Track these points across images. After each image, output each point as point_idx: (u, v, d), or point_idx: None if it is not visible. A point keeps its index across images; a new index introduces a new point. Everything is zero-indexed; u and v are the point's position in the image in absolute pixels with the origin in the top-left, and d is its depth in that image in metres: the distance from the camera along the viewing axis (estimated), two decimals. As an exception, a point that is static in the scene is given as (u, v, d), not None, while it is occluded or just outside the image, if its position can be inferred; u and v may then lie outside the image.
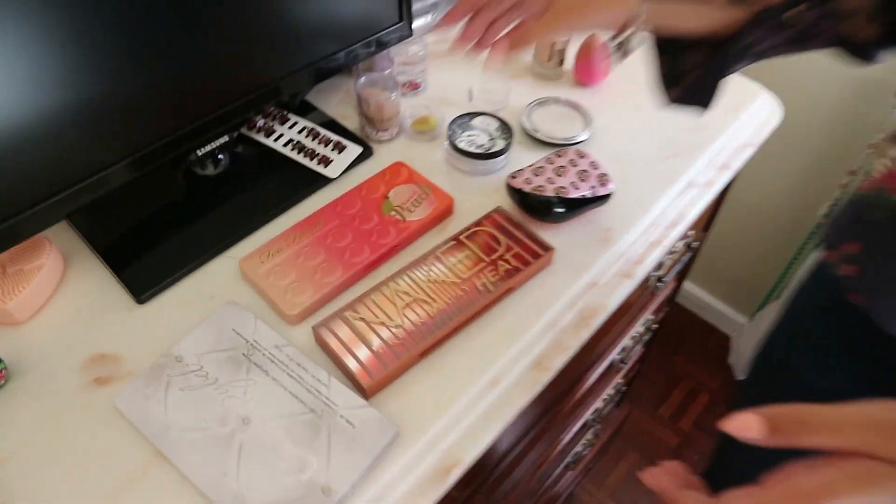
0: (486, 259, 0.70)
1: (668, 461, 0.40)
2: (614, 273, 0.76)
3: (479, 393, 0.64)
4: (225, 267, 0.72)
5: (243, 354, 0.63)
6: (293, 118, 0.86)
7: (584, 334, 0.70)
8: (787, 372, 0.77)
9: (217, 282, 0.71)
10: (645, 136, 0.90)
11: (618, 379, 1.28)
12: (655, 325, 1.25)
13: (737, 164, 0.91)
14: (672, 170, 0.86)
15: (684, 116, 0.92)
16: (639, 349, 1.26)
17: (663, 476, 0.38)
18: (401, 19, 0.86)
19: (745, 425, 0.31)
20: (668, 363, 1.81)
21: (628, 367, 1.29)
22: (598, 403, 1.23)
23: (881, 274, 0.60)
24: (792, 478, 0.31)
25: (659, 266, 0.96)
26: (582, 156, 0.79)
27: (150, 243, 0.73)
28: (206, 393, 0.61)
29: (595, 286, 0.73)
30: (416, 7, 0.94)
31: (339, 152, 0.82)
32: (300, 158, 0.81)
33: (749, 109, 0.96)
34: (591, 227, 0.78)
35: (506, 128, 0.84)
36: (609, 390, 1.26)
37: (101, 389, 0.62)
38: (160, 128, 0.69)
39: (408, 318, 0.65)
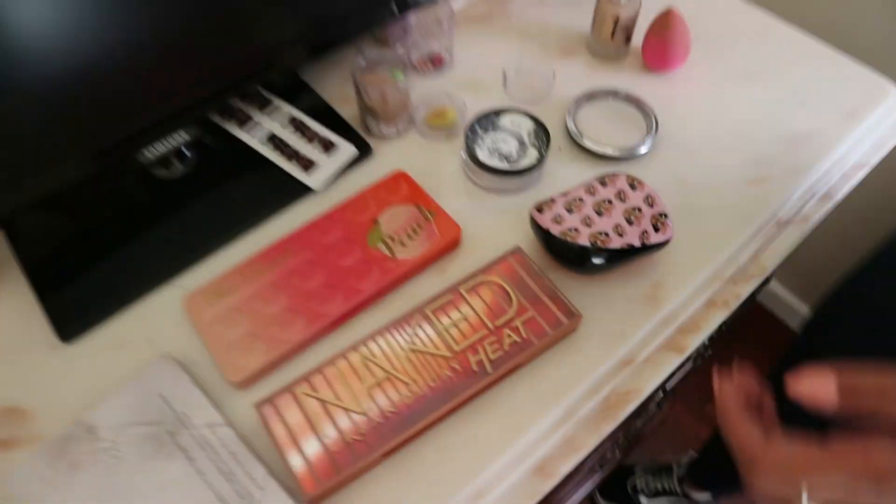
0: (490, 326, 0.54)
1: (745, 374, 0.37)
2: (659, 345, 0.58)
3: (458, 510, 0.50)
4: (171, 300, 0.59)
5: (168, 433, 0.51)
6: (276, 102, 0.69)
7: (606, 429, 0.55)
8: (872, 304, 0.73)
9: (159, 320, 0.58)
10: (726, 149, 0.69)
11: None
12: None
13: (843, 191, 0.70)
14: (754, 201, 0.66)
15: (787, 116, 0.72)
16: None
17: (732, 390, 0.36)
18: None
19: (819, 387, 0.30)
20: (726, 353, 1.62)
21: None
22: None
23: None
24: (871, 450, 0.28)
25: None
26: (635, 186, 0.60)
27: (87, 264, 0.60)
28: (119, 483, 0.49)
29: (631, 364, 0.57)
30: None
31: (328, 153, 0.66)
32: (278, 159, 0.66)
33: (874, 114, 0.73)
34: (635, 281, 0.60)
35: (542, 132, 0.65)
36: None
37: (4, 455, 0.51)
38: (108, 117, 0.55)
39: (375, 404, 0.51)
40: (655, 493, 1.30)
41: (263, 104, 0.69)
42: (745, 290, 0.62)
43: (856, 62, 0.77)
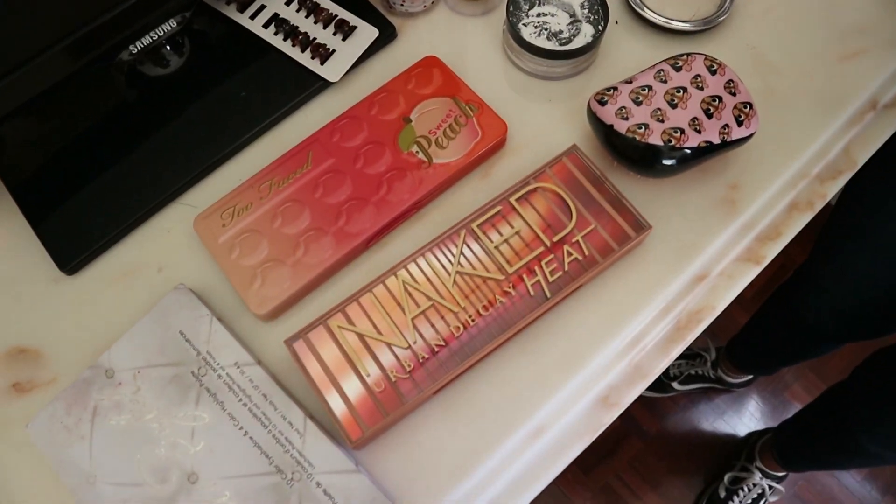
0: (547, 242, 0.47)
1: None
2: (736, 257, 0.51)
3: (518, 447, 0.45)
4: (179, 221, 0.52)
5: (192, 374, 0.46)
6: (281, -24, 0.58)
7: (674, 351, 0.49)
8: None
9: (168, 244, 0.51)
10: (814, 17, 0.58)
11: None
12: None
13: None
14: (848, 81, 0.56)
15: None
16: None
17: None
18: None
19: None
20: None
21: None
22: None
23: None
24: None
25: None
26: (714, 69, 0.50)
27: (82, 184, 0.53)
28: (145, 431, 0.44)
29: (704, 280, 0.50)
30: None
31: (345, 38, 0.56)
32: (287, 48, 0.56)
33: None
34: (710, 183, 0.52)
35: (598, 2, 0.55)
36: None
37: (19, 401, 0.47)
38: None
39: (420, 336, 0.45)
40: (688, 380, 1.29)
41: (264, -22, 0.58)
42: (832, 189, 0.54)
43: None
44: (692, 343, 1.38)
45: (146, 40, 0.52)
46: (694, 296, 0.50)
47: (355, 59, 0.55)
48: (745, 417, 1.36)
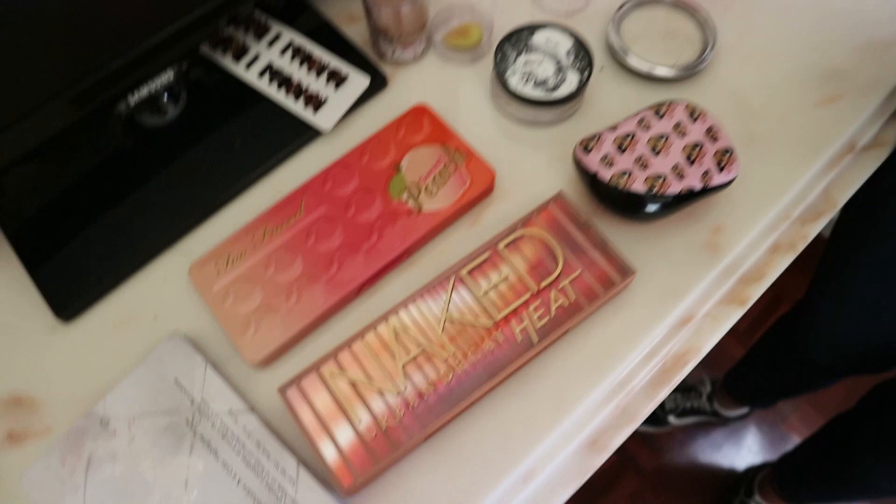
0: (534, 287, 0.48)
1: None
2: (720, 299, 0.52)
3: (508, 492, 0.46)
4: (174, 269, 0.53)
5: (187, 422, 0.46)
6: (275, 27, 0.60)
7: (662, 394, 0.50)
8: None
9: (164, 293, 0.52)
10: (793, 63, 0.60)
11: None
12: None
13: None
14: (826, 125, 0.57)
15: (866, 19, 0.62)
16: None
17: None
18: None
19: None
20: None
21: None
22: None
23: None
24: None
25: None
26: (696, 116, 0.52)
27: (77, 232, 0.54)
28: (139, 481, 0.45)
29: (689, 322, 0.51)
30: None
31: (337, 86, 0.58)
32: (281, 97, 0.57)
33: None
34: (693, 226, 0.53)
35: (583, 51, 0.56)
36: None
37: (14, 451, 0.48)
38: (84, 51, 0.47)
39: (411, 382, 0.46)
40: (684, 413, 1.29)
41: (259, 31, 0.59)
42: (813, 230, 0.56)
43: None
44: (689, 374, 1.38)
45: (144, 91, 0.54)
46: (679, 338, 0.51)
47: (347, 107, 0.57)
48: (742, 451, 1.36)
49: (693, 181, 0.49)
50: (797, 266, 0.69)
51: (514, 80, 0.56)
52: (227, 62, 0.58)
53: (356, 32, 0.62)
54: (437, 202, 0.52)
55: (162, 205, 0.54)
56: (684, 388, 1.30)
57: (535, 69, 0.56)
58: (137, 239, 0.53)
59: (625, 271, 0.49)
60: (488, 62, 0.60)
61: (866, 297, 0.72)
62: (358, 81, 0.58)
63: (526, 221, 0.51)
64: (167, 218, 0.54)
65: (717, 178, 0.50)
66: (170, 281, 0.52)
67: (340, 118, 0.57)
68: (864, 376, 0.87)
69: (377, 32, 0.58)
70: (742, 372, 1.17)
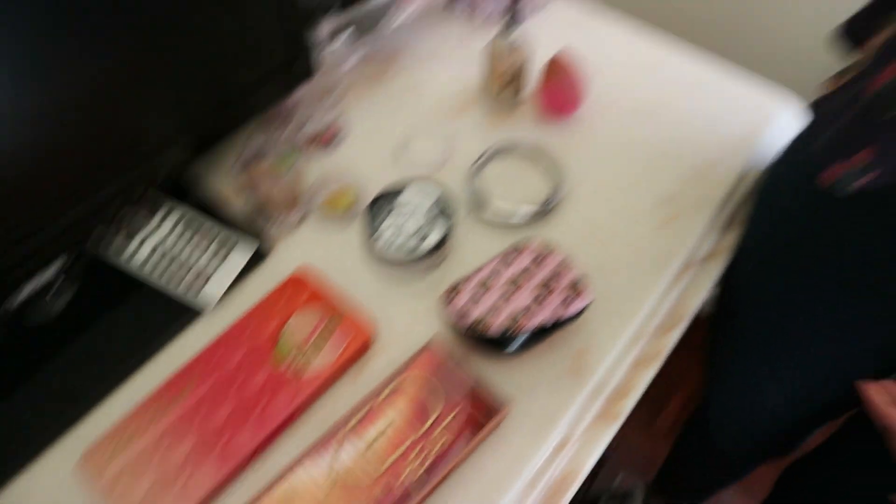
0: (417, 433, 0.51)
1: None
2: (592, 418, 0.57)
3: None
4: (66, 460, 0.54)
5: None
6: (161, 209, 0.64)
7: (551, 519, 0.53)
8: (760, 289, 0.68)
9: (56, 486, 0.53)
10: (633, 192, 0.68)
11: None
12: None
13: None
14: (668, 243, 0.65)
15: (690, 147, 0.71)
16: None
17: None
18: (294, 55, 0.64)
19: None
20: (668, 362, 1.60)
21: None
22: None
23: None
24: None
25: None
26: (545, 254, 0.58)
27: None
28: None
29: (566, 446, 0.55)
30: (326, 32, 0.70)
31: (222, 260, 0.62)
32: (167, 279, 0.61)
33: (773, 128, 0.73)
34: (559, 353, 0.58)
35: (446, 204, 0.63)
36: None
37: None
38: None
39: (303, 547, 0.47)
40: (623, 518, 1.29)
41: (145, 215, 0.64)
42: (670, 341, 0.61)
43: (753, 76, 0.77)
44: (621, 482, 1.40)
45: (28, 289, 0.57)
46: (558, 463, 0.54)
47: (231, 280, 0.61)
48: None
49: (550, 313, 0.55)
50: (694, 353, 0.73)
51: (385, 238, 0.61)
52: (113, 250, 0.62)
53: (237, 208, 0.67)
54: (321, 362, 0.56)
55: (48, 398, 0.56)
56: (620, 495, 1.31)
57: (404, 225, 0.62)
58: (25, 435, 0.54)
59: (498, 407, 0.53)
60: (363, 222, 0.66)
61: (747, 385, 0.77)
62: (242, 254, 0.62)
63: (404, 369, 0.55)
64: (54, 411, 0.55)
65: (572, 307, 0.55)
66: (62, 473, 0.53)
67: (225, 291, 0.61)
68: (777, 460, 0.91)
69: (258, 206, 0.64)
70: (670, 471, 1.20)
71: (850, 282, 0.57)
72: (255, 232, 0.65)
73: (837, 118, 0.54)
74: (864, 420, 0.67)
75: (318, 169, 0.69)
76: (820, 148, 0.55)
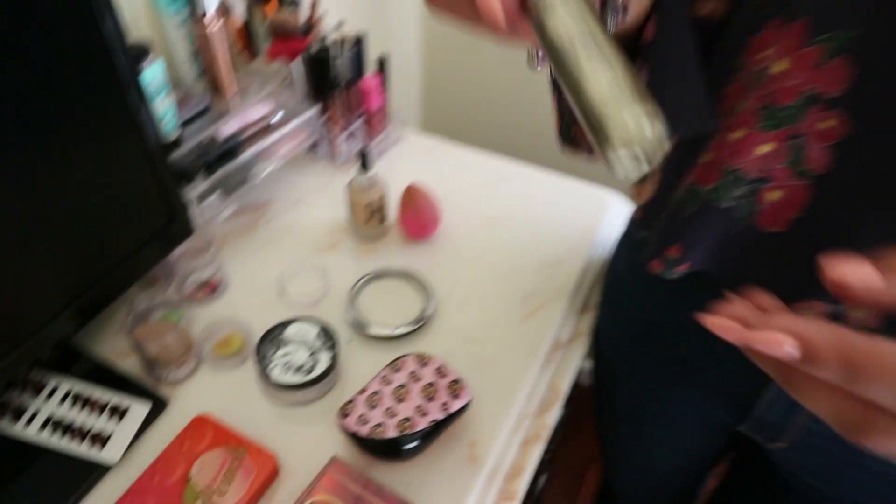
0: (328, 550, 0.54)
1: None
2: (493, 501, 0.62)
3: None
4: None
5: None
6: (52, 381, 0.66)
7: None
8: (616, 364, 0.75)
9: None
10: (497, 294, 0.77)
11: None
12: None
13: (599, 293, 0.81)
14: (533, 333, 0.73)
15: (539, 248, 0.82)
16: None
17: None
18: (171, 218, 0.69)
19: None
20: (574, 448, 1.67)
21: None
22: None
23: (703, 258, 0.56)
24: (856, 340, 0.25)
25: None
26: (424, 363, 0.64)
27: None
28: None
29: (472, 533, 0.59)
30: (198, 191, 0.77)
31: (120, 419, 0.64)
32: (65, 444, 0.62)
33: (604, 221, 0.86)
34: (453, 448, 0.63)
35: (327, 334, 0.68)
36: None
37: None
38: None
39: None
40: None
41: (36, 387, 0.65)
42: (551, 419, 0.69)
43: (579, 181, 0.91)
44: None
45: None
46: (468, 550, 0.58)
47: (131, 437, 0.62)
48: None
49: (435, 414, 0.60)
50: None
51: (276, 372, 0.65)
52: (6, 424, 0.62)
53: (130, 365, 0.69)
54: (230, 498, 0.58)
55: None
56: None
57: (292, 358, 0.67)
58: None
59: (403, 508, 0.57)
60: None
61: (627, 449, 0.85)
62: (139, 410, 0.64)
63: (311, 490, 0.58)
64: None
65: (454, 405, 0.61)
66: None
67: (127, 448, 0.62)
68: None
69: (149, 362, 0.66)
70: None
71: (690, 349, 0.64)
72: (149, 388, 0.67)
73: (658, 217, 0.62)
74: (748, 457, 0.76)
75: (204, 318, 0.73)
76: (643, 241, 0.64)
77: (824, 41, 0.39)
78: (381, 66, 0.92)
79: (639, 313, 0.68)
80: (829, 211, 0.46)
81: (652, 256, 0.60)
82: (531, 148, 1.31)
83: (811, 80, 0.41)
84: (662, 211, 0.60)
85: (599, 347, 0.78)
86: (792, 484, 0.64)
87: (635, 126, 0.25)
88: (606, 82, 0.25)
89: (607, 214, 0.87)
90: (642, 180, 0.66)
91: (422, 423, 0.60)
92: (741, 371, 0.58)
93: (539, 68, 0.46)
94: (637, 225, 0.66)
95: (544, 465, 0.98)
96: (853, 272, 0.27)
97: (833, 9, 0.39)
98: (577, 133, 0.62)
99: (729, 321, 0.29)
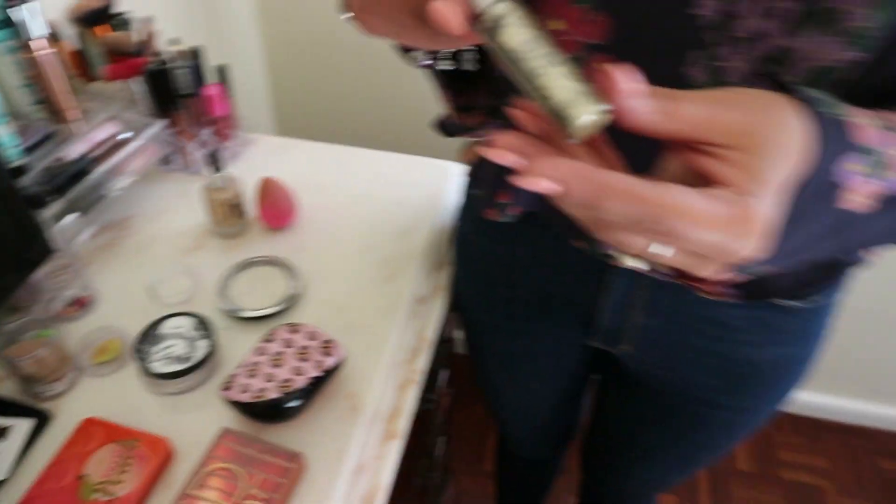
0: (230, 506, 0.59)
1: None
2: (377, 441, 0.69)
3: None
4: None
5: None
6: (-75, 418, 0.66)
7: (371, 531, 0.63)
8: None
9: None
10: (359, 263, 0.84)
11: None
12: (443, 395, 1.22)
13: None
14: (395, 292, 0.81)
15: (391, 219, 0.90)
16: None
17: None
18: (26, 242, 0.71)
19: None
20: (475, 414, 1.77)
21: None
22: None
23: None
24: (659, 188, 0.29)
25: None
26: (295, 330, 0.70)
27: None
28: None
29: (363, 469, 0.66)
30: (54, 212, 0.79)
31: (3, 438, 0.65)
32: (-50, 473, 0.63)
33: (448, 188, 0.95)
34: (334, 403, 0.70)
35: (202, 323, 0.73)
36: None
37: None
38: None
39: None
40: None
41: None
42: (421, 364, 0.76)
43: (422, 158, 1.00)
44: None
45: None
46: (362, 483, 0.65)
47: (16, 453, 0.64)
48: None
49: (311, 372, 0.67)
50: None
51: (158, 366, 0.69)
52: None
53: (6, 389, 0.70)
54: (129, 484, 0.61)
55: None
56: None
57: (172, 350, 0.71)
58: None
59: (293, 456, 0.62)
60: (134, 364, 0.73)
61: (504, 395, 0.93)
62: (22, 427, 0.66)
63: (205, 461, 0.62)
64: None
65: (328, 362, 0.68)
66: None
67: (16, 465, 0.63)
68: (567, 446, 1.08)
69: (26, 380, 0.68)
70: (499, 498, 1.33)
71: (534, 281, 0.72)
72: (30, 405, 0.68)
73: (487, 174, 0.73)
74: (609, 375, 0.86)
75: (80, 331, 0.75)
76: (478, 196, 0.74)
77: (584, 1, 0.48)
78: (222, 74, 0.96)
79: (486, 265, 0.76)
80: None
81: (487, 206, 0.69)
82: (379, 134, 1.39)
83: (580, 33, 0.50)
84: (489, 167, 0.69)
85: (460, 305, 0.86)
86: (644, 381, 0.75)
87: (587, 112, 0.30)
88: (561, 86, 0.30)
89: (449, 182, 0.96)
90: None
91: (300, 382, 0.66)
92: (578, 283, 0.68)
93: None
94: (471, 184, 0.75)
95: (434, 420, 1.06)
96: (624, 80, 0.29)
97: None
98: (462, 119, 0.70)
99: (505, 152, 0.32)
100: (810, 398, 1.68)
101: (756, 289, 0.59)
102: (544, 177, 0.30)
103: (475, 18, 0.31)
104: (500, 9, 0.31)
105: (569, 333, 0.74)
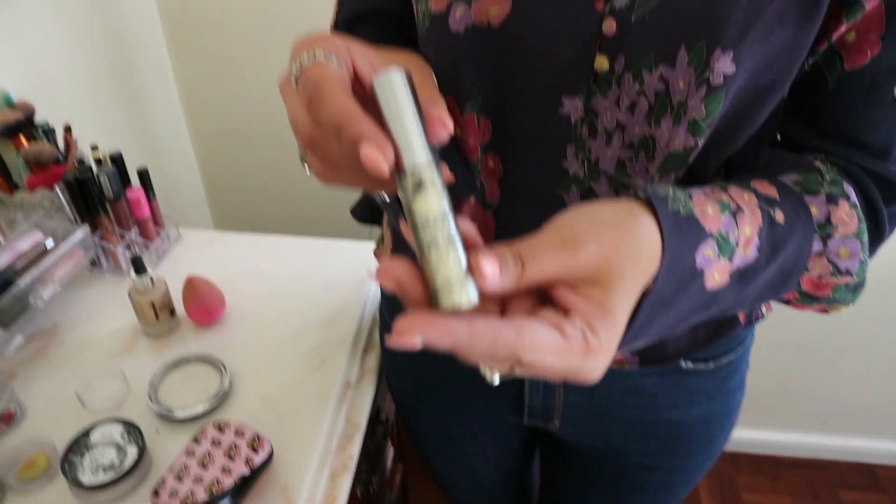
0: None
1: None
2: (311, 534, 0.70)
3: None
4: None
5: None
6: None
7: None
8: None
9: None
10: (290, 354, 0.86)
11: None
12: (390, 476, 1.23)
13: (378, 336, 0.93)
14: (326, 379, 0.83)
15: (318, 306, 0.92)
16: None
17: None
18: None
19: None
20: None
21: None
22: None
23: None
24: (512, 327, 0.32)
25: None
26: (221, 428, 0.72)
27: None
28: None
29: (295, 564, 0.67)
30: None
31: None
32: None
33: (372, 273, 0.99)
34: (268, 495, 0.71)
35: (132, 429, 0.73)
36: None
37: None
38: None
39: None
40: None
41: None
42: (354, 450, 0.78)
43: (347, 241, 1.03)
44: None
45: None
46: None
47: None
48: None
49: (240, 470, 0.68)
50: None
51: (87, 477, 0.69)
52: None
53: (-68, 516, 0.69)
54: None
55: None
56: None
57: (101, 460, 0.71)
58: None
59: (225, 560, 0.63)
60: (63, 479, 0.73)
61: (443, 475, 0.93)
62: (-55, 555, 0.65)
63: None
64: None
65: (258, 458, 0.69)
66: None
67: None
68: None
69: (-51, 507, 0.67)
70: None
71: (461, 368, 0.70)
72: (-46, 530, 0.68)
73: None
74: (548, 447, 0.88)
75: (5, 449, 0.75)
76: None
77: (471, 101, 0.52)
78: (142, 177, 0.99)
79: (412, 354, 0.76)
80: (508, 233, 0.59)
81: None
82: (314, 215, 1.43)
83: (473, 136, 0.54)
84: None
85: (393, 394, 0.87)
86: (582, 450, 0.78)
87: (456, 301, 0.32)
88: (446, 268, 0.31)
89: (374, 265, 1.00)
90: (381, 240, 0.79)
91: (229, 481, 0.67)
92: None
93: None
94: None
95: (386, 499, 1.07)
96: (487, 264, 0.32)
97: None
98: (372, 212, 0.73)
99: (389, 278, 0.33)
100: (767, 437, 1.74)
101: (654, 353, 0.64)
102: (414, 335, 0.31)
103: (399, 171, 0.33)
104: (424, 175, 0.32)
105: (503, 415, 0.76)
